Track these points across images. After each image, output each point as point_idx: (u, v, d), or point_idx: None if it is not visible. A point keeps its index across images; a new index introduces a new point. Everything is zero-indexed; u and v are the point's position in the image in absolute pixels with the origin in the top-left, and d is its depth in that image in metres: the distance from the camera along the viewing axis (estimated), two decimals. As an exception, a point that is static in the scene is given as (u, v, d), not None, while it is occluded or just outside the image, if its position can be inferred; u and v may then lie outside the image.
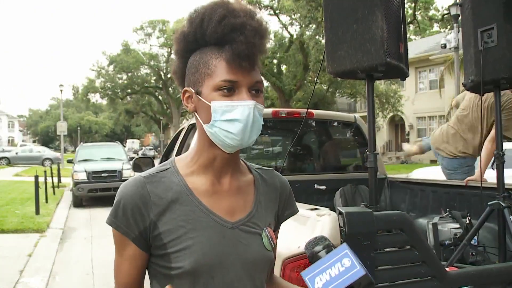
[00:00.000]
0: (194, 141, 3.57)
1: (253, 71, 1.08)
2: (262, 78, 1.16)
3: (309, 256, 1.08)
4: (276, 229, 1.26)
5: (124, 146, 23.97)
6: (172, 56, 1.43)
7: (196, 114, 1.12)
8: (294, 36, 24.47)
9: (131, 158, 12.01)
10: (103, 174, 12.53)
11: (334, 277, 0.99)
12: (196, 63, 1.10)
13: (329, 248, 1.07)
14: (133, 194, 1.06)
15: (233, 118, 1.05)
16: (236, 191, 1.15)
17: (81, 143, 18.09)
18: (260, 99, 1.09)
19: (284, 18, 24.61)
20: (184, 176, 1.12)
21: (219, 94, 1.05)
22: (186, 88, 1.13)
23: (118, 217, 1.07)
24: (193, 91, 1.10)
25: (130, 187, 1.07)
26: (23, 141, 70.13)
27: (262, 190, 1.21)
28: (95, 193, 12.25)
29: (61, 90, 30.72)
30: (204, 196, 1.10)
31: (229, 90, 1.05)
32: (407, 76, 2.35)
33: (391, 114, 27.68)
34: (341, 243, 1.77)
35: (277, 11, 23.91)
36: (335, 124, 4.32)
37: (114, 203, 1.08)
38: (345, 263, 1.00)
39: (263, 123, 1.10)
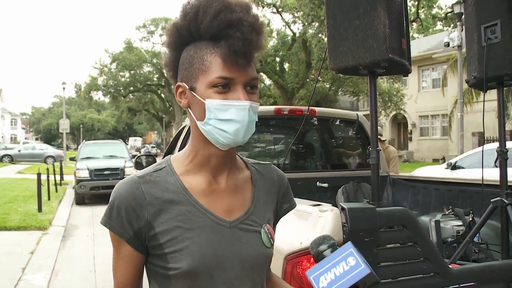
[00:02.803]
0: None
1: (249, 68, 1.05)
2: (265, 76, 1.14)
3: (314, 255, 1.07)
4: (274, 224, 1.25)
5: (127, 144, 23.97)
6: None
7: (189, 110, 1.10)
8: (297, 34, 24.36)
9: (133, 156, 12.00)
10: (105, 172, 12.57)
11: (338, 276, 0.98)
12: (190, 58, 1.07)
13: (334, 247, 1.06)
14: (127, 195, 1.05)
15: (227, 118, 1.03)
16: (233, 189, 1.13)
17: (84, 141, 18.11)
18: (255, 96, 1.08)
19: (287, 16, 24.54)
20: (180, 175, 1.10)
21: (214, 91, 1.03)
22: (179, 83, 1.10)
23: (112, 218, 1.05)
24: (187, 86, 1.07)
25: (124, 188, 1.06)
26: (25, 138, 70.24)
27: (259, 185, 1.19)
28: (97, 190, 12.28)
29: (64, 88, 30.79)
30: (201, 195, 1.09)
31: (224, 86, 1.03)
32: (410, 72, 2.34)
33: (393, 112, 27.60)
34: (343, 239, 1.77)
35: (280, 9, 23.82)
36: (337, 122, 4.31)
37: (108, 204, 1.07)
38: (349, 262, 0.99)
39: (257, 119, 1.08)
